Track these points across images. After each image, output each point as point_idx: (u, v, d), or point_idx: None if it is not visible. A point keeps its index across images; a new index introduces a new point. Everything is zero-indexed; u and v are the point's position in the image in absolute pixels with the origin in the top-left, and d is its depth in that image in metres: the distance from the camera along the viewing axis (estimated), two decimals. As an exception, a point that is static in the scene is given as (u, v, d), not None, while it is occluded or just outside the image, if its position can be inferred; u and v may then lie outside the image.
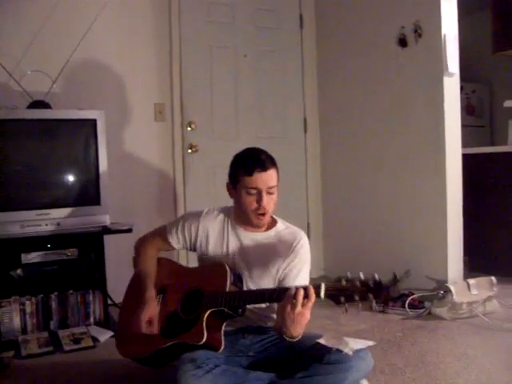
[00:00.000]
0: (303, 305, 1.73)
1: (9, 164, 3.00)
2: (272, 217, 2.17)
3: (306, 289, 1.74)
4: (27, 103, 3.14)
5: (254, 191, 2.03)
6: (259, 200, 2.03)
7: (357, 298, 1.67)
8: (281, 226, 2.18)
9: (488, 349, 2.66)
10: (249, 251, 2.12)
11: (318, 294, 1.72)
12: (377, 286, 1.66)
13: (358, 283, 1.68)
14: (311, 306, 1.73)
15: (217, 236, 2.16)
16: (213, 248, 2.15)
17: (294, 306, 1.73)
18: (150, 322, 2.03)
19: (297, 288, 1.75)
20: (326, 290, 1.71)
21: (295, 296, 1.73)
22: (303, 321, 1.76)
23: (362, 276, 1.69)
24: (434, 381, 2.25)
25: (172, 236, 2.20)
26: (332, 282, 1.73)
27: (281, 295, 1.79)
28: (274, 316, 2.01)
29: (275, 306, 1.96)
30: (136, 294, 2.14)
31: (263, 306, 1.85)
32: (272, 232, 2.15)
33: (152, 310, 2.05)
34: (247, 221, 2.11)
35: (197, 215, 2.20)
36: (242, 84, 4.18)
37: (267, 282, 2.08)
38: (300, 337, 1.83)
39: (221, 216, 2.19)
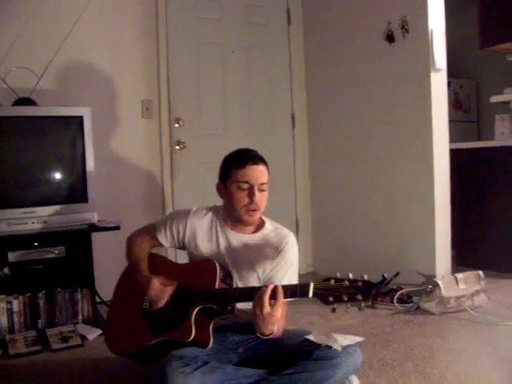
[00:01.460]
0: (271, 305, 1.75)
1: (-6, 162, 2.97)
2: (260, 217, 2.16)
3: (274, 289, 1.76)
4: (12, 100, 3.11)
5: (245, 185, 2.04)
6: (251, 195, 2.03)
7: (345, 298, 1.67)
8: (269, 227, 2.17)
9: (476, 342, 2.68)
10: (237, 252, 2.11)
11: (306, 293, 1.72)
12: (365, 286, 1.65)
13: (346, 283, 1.68)
14: (279, 305, 1.75)
15: (205, 235, 2.15)
16: (201, 247, 2.13)
17: (262, 307, 1.74)
18: (157, 297, 2.00)
19: (264, 288, 1.77)
20: (315, 289, 1.71)
21: (262, 297, 1.75)
22: (273, 320, 1.77)
23: (351, 276, 1.69)
24: (423, 375, 2.26)
25: (160, 234, 2.19)
26: (321, 281, 1.73)
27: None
28: None
29: None
30: (129, 285, 2.15)
31: (251, 304, 1.85)
32: (260, 234, 2.14)
33: (154, 285, 2.01)
34: (237, 219, 2.10)
35: (185, 214, 2.19)
36: (230, 80, 4.17)
37: (254, 283, 2.07)
38: (274, 334, 1.84)
39: (209, 215, 2.18)
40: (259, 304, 1.76)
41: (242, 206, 2.05)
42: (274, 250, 2.10)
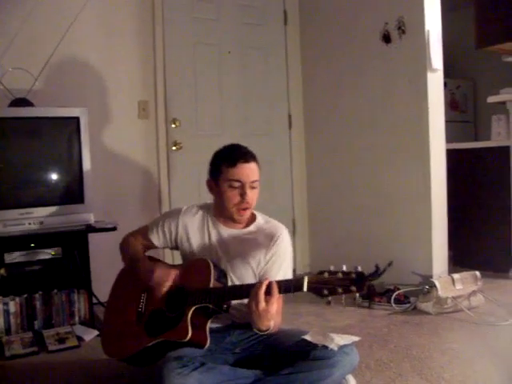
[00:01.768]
0: (266, 301, 1.75)
1: (-10, 163, 2.96)
2: (252, 212, 2.17)
3: (268, 284, 1.76)
4: (9, 101, 3.10)
5: (237, 184, 2.04)
6: (243, 194, 2.04)
7: (340, 290, 1.67)
8: (261, 220, 2.18)
9: (473, 343, 2.68)
10: (230, 247, 2.11)
11: (300, 288, 1.72)
12: (359, 277, 1.66)
13: (340, 275, 1.68)
14: (274, 301, 1.75)
15: (197, 232, 2.15)
16: (194, 245, 2.14)
17: (257, 302, 1.75)
18: (162, 280, 2.02)
19: (258, 284, 1.78)
20: (309, 283, 1.71)
21: (257, 293, 1.75)
22: (268, 315, 1.77)
23: (344, 268, 1.70)
24: (420, 375, 2.26)
25: (153, 234, 2.20)
26: (315, 274, 1.73)
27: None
28: None
29: None
30: (125, 288, 2.16)
31: (246, 301, 1.86)
32: (252, 227, 2.15)
33: (159, 268, 2.05)
34: (228, 216, 2.11)
35: (176, 213, 2.20)
36: (227, 81, 4.16)
37: (249, 278, 2.08)
38: (271, 330, 1.84)
39: (200, 212, 2.19)
40: (254, 300, 1.76)
41: (233, 204, 2.06)
42: (266, 241, 2.11)
